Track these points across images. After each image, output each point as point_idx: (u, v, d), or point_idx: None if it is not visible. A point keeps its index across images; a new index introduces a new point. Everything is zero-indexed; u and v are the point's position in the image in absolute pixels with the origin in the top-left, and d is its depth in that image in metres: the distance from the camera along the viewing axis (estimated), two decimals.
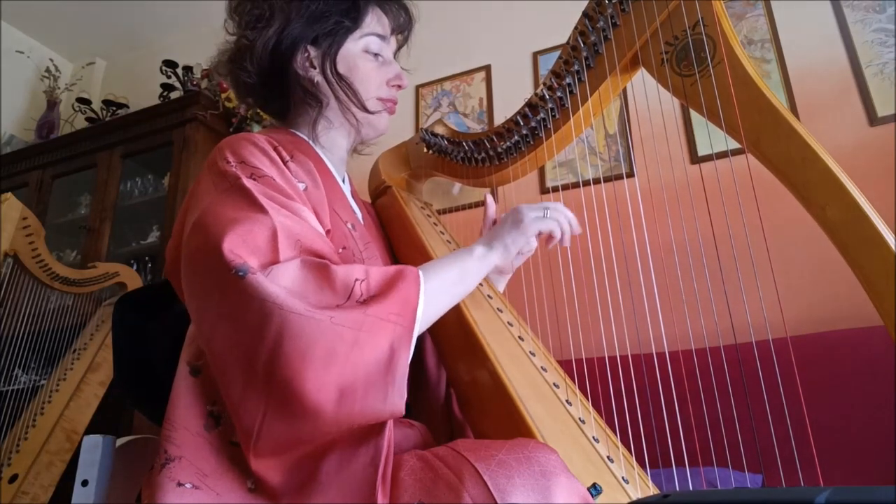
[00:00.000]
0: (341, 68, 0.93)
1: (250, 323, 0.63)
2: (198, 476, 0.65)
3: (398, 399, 0.63)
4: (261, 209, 0.71)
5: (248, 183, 0.74)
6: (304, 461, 0.64)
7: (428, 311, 0.72)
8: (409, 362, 0.66)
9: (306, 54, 0.92)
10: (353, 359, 0.62)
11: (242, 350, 0.64)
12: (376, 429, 0.64)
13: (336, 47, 0.93)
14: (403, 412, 0.64)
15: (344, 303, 0.66)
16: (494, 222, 1.05)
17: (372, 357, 0.63)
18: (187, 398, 0.70)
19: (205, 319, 0.69)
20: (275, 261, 0.67)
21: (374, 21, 0.96)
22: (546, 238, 0.90)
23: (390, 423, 0.65)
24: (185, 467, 0.65)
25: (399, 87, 0.98)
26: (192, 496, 0.63)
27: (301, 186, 0.82)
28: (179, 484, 0.63)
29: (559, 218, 0.89)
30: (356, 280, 0.68)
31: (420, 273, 0.73)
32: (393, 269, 0.72)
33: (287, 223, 0.71)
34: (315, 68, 0.93)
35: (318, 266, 0.68)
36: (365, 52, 0.95)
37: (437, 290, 0.75)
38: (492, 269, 0.86)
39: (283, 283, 0.65)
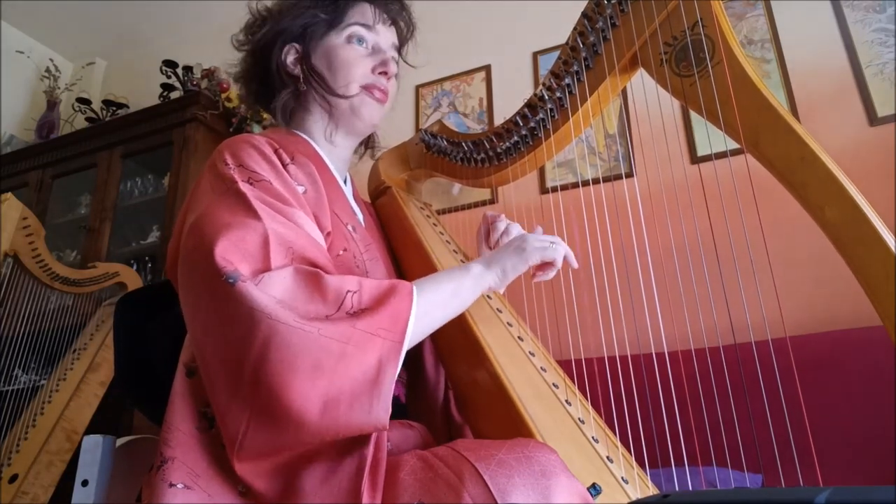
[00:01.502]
0: (321, 61, 0.95)
1: (238, 330, 0.63)
2: (190, 476, 0.65)
3: (383, 413, 0.63)
4: (255, 215, 0.71)
5: (244, 187, 0.74)
6: (288, 468, 0.64)
7: (419, 327, 0.72)
8: (396, 377, 0.66)
9: (295, 54, 0.96)
10: (339, 372, 0.62)
11: (230, 356, 0.64)
12: (361, 439, 0.64)
13: (313, 41, 0.95)
14: (387, 426, 0.64)
15: (334, 314, 0.66)
16: (488, 233, 1.06)
17: (359, 371, 0.63)
18: (182, 399, 0.70)
19: (196, 323, 0.69)
20: (266, 268, 0.67)
21: (357, 13, 0.97)
22: (536, 267, 0.89)
23: (380, 434, 0.65)
24: (177, 468, 0.65)
25: (385, 73, 0.97)
26: (185, 496, 0.63)
27: (300, 189, 0.82)
28: (171, 484, 0.64)
29: (563, 252, 0.87)
30: (348, 292, 0.68)
31: (414, 288, 0.72)
32: (387, 283, 0.72)
33: (280, 230, 0.71)
34: (300, 64, 0.96)
35: (310, 275, 0.68)
36: (348, 42, 0.96)
37: (430, 306, 0.75)
38: (487, 290, 0.84)
39: (274, 292, 0.65)
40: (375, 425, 0.63)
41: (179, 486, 0.64)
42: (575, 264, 0.91)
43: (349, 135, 1.00)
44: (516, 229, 1.05)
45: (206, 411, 0.70)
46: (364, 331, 0.65)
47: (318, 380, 0.61)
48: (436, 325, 0.78)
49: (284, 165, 0.82)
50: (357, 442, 0.64)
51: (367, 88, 0.95)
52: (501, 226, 1.05)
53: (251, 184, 0.76)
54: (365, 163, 1.15)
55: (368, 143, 1.11)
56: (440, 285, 0.78)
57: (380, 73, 0.96)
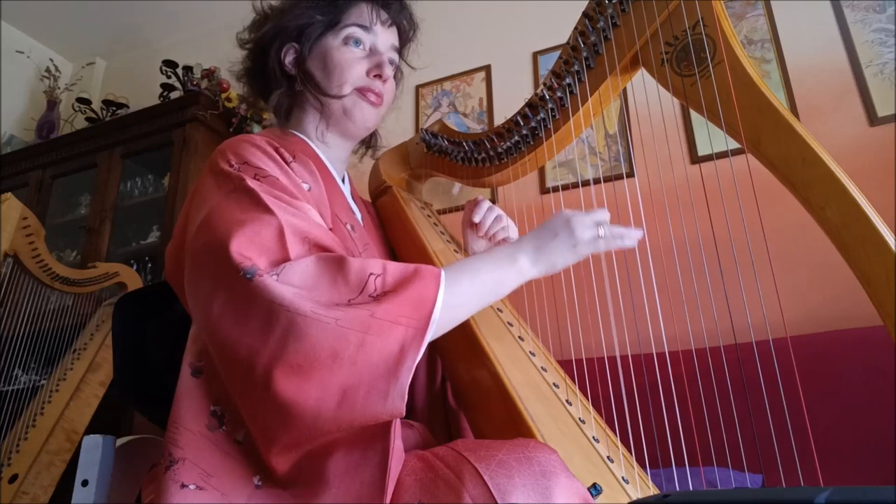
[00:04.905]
0: (316, 62, 0.95)
1: (255, 324, 0.63)
2: (202, 477, 0.64)
3: (399, 401, 0.62)
4: (266, 209, 0.71)
5: (252, 184, 0.74)
6: (311, 459, 0.64)
7: (450, 313, 0.69)
8: (415, 365, 0.64)
9: (294, 54, 0.96)
10: (358, 362, 0.62)
11: (248, 351, 0.63)
12: (382, 432, 0.64)
13: (310, 42, 0.95)
14: (403, 413, 0.63)
15: (356, 297, 0.65)
16: (473, 225, 1.07)
17: (379, 359, 0.62)
18: (189, 399, 0.70)
19: (209, 319, 0.68)
20: (285, 258, 0.67)
21: (355, 14, 0.96)
22: None
23: (397, 425, 0.64)
24: (188, 469, 0.65)
25: (379, 76, 0.95)
26: (197, 497, 0.63)
27: (305, 187, 0.82)
28: (183, 485, 0.63)
29: (615, 240, 0.83)
30: (371, 274, 0.67)
31: (442, 274, 0.70)
32: (412, 266, 0.70)
33: (294, 221, 0.71)
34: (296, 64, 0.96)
35: (333, 260, 0.68)
36: (344, 43, 0.95)
37: (465, 295, 0.72)
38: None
39: (294, 282, 0.64)
40: (392, 413, 0.62)
41: (192, 487, 0.64)
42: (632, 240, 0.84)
43: (342, 136, 0.99)
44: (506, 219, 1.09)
45: (215, 410, 0.69)
46: (383, 319, 0.63)
47: (336, 371, 0.61)
48: (470, 312, 0.75)
49: (287, 163, 0.82)
50: (378, 435, 0.64)
51: (360, 91, 0.94)
52: (483, 208, 1.06)
53: (258, 180, 0.76)
54: (365, 163, 1.15)
55: (369, 143, 1.10)
56: (479, 274, 0.74)
57: (374, 76, 0.95)
